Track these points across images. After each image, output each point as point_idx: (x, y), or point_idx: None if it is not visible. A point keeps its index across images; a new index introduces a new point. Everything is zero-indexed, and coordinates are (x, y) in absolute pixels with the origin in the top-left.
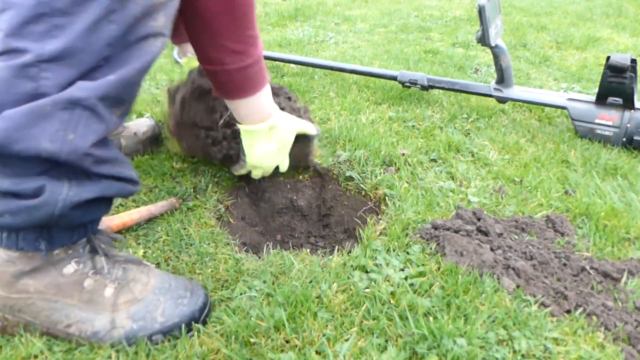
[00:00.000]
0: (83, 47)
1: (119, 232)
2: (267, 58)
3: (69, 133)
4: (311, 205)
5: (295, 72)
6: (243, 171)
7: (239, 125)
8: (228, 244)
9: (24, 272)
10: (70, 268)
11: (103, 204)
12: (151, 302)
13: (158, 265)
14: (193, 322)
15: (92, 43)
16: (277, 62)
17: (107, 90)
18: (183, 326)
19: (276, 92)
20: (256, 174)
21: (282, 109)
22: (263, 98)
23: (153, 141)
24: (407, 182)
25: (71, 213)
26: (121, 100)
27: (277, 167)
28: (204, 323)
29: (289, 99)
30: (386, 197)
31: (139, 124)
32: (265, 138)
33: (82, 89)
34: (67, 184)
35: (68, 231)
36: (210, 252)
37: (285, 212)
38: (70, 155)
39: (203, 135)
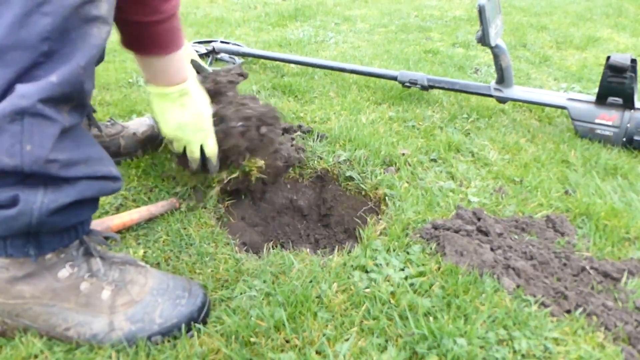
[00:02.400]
0: (14, 44)
1: (119, 232)
2: (267, 58)
3: (25, 144)
4: (311, 205)
5: (295, 72)
6: (173, 147)
7: (148, 87)
8: (228, 244)
9: (18, 277)
10: (65, 272)
11: (87, 205)
12: (149, 303)
13: (158, 265)
14: (192, 322)
15: (24, 39)
16: (277, 62)
17: (51, 92)
18: (183, 326)
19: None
20: (178, 147)
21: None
22: (176, 60)
23: (152, 141)
24: (407, 182)
25: (51, 219)
26: (68, 98)
27: (204, 152)
28: (204, 323)
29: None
30: (386, 197)
31: (138, 124)
32: (177, 105)
33: (24, 96)
34: (43, 190)
35: (57, 235)
36: (210, 252)
37: (285, 212)
38: (33, 165)
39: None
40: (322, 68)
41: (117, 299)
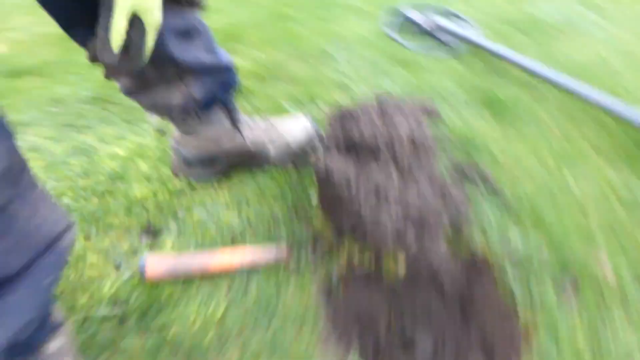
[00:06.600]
0: None
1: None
2: (490, 52)
3: None
4: None
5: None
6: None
7: None
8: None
9: None
10: None
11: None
12: None
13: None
14: None
15: None
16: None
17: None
18: None
19: None
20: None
21: None
22: None
23: (308, 152)
24: None
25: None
26: None
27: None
28: None
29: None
30: None
31: (294, 131)
32: None
33: None
34: None
35: None
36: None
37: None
38: None
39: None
40: (548, 82)
41: None
